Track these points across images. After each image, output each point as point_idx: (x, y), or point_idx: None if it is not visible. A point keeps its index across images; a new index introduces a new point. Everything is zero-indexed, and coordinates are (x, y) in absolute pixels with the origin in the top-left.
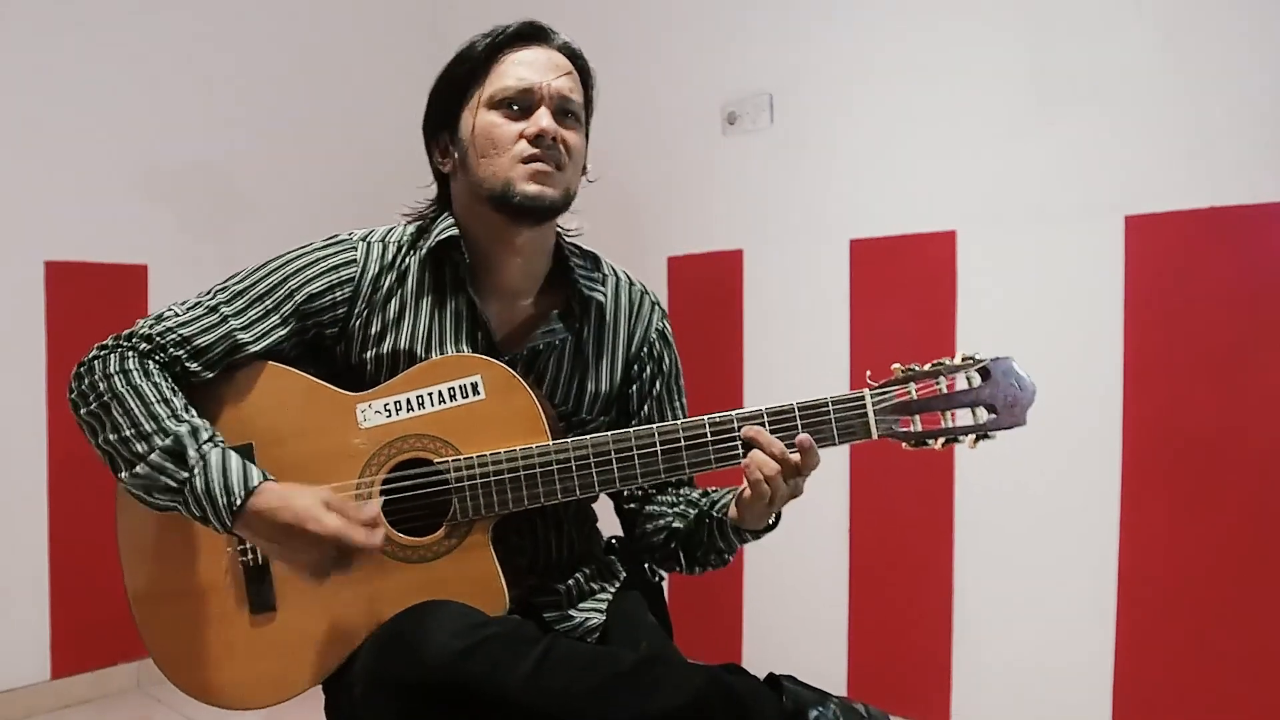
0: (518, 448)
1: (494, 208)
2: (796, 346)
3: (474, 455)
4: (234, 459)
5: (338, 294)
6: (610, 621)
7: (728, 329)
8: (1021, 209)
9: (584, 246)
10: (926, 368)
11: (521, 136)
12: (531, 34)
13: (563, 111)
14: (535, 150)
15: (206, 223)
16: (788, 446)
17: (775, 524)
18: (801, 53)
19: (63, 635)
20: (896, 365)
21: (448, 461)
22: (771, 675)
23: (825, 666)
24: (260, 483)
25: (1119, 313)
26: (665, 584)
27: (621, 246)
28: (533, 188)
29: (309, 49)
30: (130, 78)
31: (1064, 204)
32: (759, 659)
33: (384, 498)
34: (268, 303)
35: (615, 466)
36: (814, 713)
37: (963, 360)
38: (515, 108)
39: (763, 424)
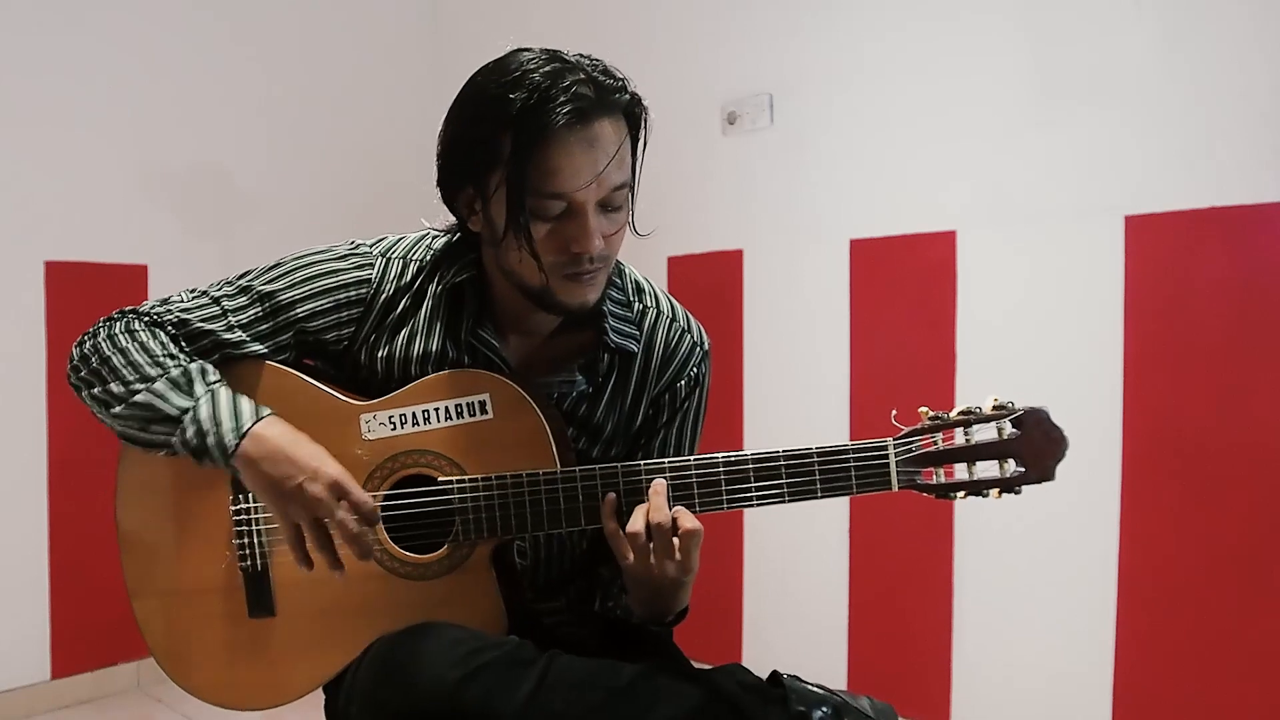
0: (524, 472)
1: (525, 296)
2: (796, 346)
3: (479, 476)
4: (245, 398)
5: (343, 314)
6: (611, 626)
7: (728, 329)
8: (1021, 209)
9: (627, 270)
10: (955, 415)
11: (564, 250)
12: (580, 119)
13: (610, 203)
14: (579, 267)
15: (207, 223)
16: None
17: (679, 616)
18: (801, 53)
19: (63, 635)
20: (924, 409)
21: (452, 481)
22: (774, 674)
23: (825, 666)
24: (271, 413)
25: (1119, 313)
26: None
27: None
28: (575, 300)
29: (309, 49)
30: (130, 78)
31: (1064, 204)
32: (759, 659)
33: (383, 513)
34: (267, 307)
35: (622, 499)
36: (818, 714)
37: (994, 409)
38: (556, 213)
39: (779, 468)
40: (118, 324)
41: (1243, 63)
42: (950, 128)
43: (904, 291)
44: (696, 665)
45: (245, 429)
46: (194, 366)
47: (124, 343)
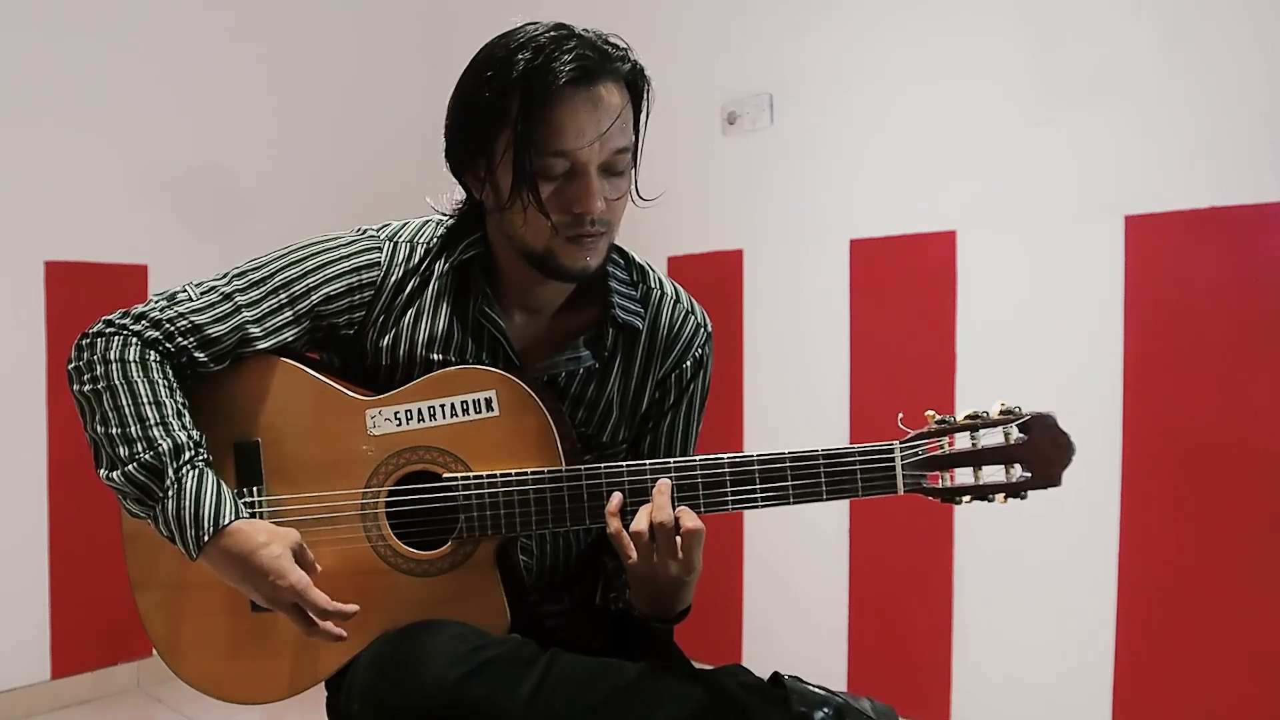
0: (529, 470)
1: (528, 262)
2: (796, 346)
3: (484, 474)
4: (209, 488)
5: (355, 297)
6: (614, 624)
7: (728, 329)
8: (1021, 209)
9: (630, 254)
10: (962, 419)
11: (567, 210)
12: (583, 77)
13: (612, 167)
14: (581, 229)
15: (207, 223)
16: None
17: (681, 615)
18: (801, 53)
19: (63, 635)
20: (931, 412)
21: (457, 478)
22: (776, 674)
23: (825, 667)
24: (230, 522)
25: (1119, 313)
26: None
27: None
28: (577, 263)
29: (309, 49)
30: (131, 78)
31: (1064, 204)
32: (759, 659)
33: (388, 509)
34: (283, 296)
35: (627, 499)
36: (819, 714)
37: (1002, 413)
38: (559, 172)
39: (785, 470)
40: (116, 342)
41: (1243, 63)
42: (950, 128)
43: (904, 291)
44: (697, 665)
45: (204, 540)
46: (166, 446)
47: (116, 377)
